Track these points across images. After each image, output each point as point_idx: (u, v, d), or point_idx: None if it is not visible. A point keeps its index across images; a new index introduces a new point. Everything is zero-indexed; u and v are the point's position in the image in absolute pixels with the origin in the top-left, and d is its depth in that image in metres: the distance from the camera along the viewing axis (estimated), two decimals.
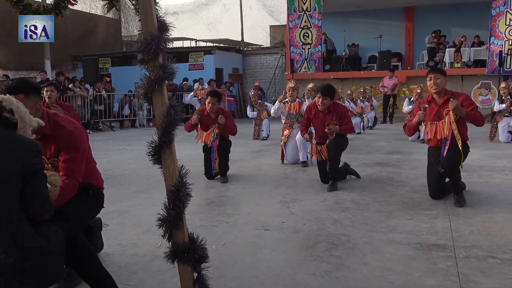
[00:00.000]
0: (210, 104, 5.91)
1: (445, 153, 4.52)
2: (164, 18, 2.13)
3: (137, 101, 15.82)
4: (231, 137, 6.24)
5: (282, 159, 7.17)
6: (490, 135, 9.43)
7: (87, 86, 14.74)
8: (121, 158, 8.08)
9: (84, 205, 2.73)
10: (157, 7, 2.13)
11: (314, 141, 5.79)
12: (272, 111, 7.63)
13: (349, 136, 7.80)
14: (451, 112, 4.43)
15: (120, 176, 6.39)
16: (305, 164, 6.83)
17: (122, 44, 22.97)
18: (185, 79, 17.06)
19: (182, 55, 19.00)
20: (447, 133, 4.47)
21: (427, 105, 4.65)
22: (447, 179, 4.64)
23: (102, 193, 2.96)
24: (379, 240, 3.52)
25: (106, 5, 2.48)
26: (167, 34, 2.12)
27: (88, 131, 13.01)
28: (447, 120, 4.47)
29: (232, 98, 17.92)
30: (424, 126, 4.73)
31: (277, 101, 7.46)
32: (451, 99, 4.41)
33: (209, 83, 17.15)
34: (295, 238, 3.64)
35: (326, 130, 5.36)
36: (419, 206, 4.50)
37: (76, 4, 2.74)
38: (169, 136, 2.14)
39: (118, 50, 21.56)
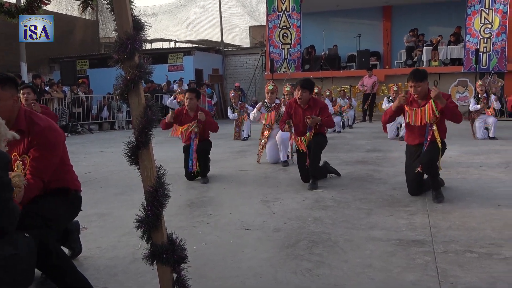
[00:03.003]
0: (188, 100, 5.87)
1: (425, 148, 4.60)
2: (140, 17, 2.10)
3: (116, 103, 15.65)
4: (211, 138, 6.22)
5: (259, 159, 7.17)
6: (473, 132, 9.58)
7: (65, 88, 14.53)
8: (100, 161, 7.98)
9: (60, 208, 2.67)
10: (132, 6, 2.10)
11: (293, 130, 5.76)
12: (251, 117, 7.63)
13: (329, 135, 7.85)
14: (432, 101, 4.49)
15: (100, 178, 6.31)
16: (285, 163, 6.85)
17: (100, 46, 22.73)
18: (169, 82, 17.04)
19: (162, 56, 18.92)
20: (428, 120, 4.53)
21: (408, 89, 4.71)
22: (425, 176, 4.70)
23: (79, 196, 2.91)
24: (359, 237, 3.54)
25: (81, 5, 2.45)
26: (143, 33, 2.09)
27: (66, 134, 12.81)
28: (427, 107, 4.53)
29: (209, 99, 17.86)
30: (404, 116, 4.78)
31: (255, 109, 7.41)
32: (433, 87, 4.47)
33: (189, 84, 17.10)
34: (276, 237, 3.64)
35: (307, 121, 5.29)
36: (398, 203, 4.54)
37: (49, 4, 2.69)
38: (146, 136, 2.11)
39: (96, 52, 21.33)
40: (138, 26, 2.07)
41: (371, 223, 3.91)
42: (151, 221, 2.12)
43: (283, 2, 16.78)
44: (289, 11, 16.79)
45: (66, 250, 3.05)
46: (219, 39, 21.72)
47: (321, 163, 5.67)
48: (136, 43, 2.02)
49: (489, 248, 3.23)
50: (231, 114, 11.11)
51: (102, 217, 4.37)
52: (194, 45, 21.18)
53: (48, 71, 19.82)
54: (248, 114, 10.42)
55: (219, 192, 5.32)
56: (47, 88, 14.09)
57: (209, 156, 6.14)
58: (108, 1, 2.17)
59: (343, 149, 8.50)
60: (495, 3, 15.01)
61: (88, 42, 21.88)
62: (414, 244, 3.35)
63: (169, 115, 5.91)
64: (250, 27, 23.25)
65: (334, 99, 12.40)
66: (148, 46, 22.49)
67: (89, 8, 2.58)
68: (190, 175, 5.95)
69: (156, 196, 2.11)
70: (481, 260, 3.02)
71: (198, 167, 5.84)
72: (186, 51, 19.55)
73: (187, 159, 5.94)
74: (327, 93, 12.28)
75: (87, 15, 20.64)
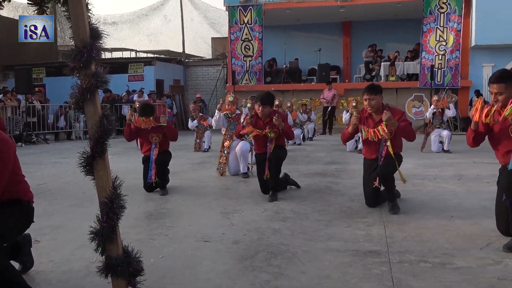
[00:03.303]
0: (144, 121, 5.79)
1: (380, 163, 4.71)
2: (97, 25, 2.07)
3: (73, 113, 15.27)
4: (171, 149, 6.16)
5: (223, 172, 7.14)
6: (422, 146, 9.87)
7: (19, 97, 14.07)
8: (56, 172, 7.75)
9: (10, 220, 2.57)
10: (89, 13, 2.07)
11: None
12: (213, 123, 7.55)
13: (289, 147, 7.90)
14: (383, 123, 4.61)
15: (54, 190, 6.12)
16: (246, 175, 6.85)
17: (58, 54, 22.18)
18: (128, 92, 16.81)
19: (122, 65, 18.66)
20: (382, 135, 4.65)
21: (359, 108, 4.82)
22: (382, 188, 4.81)
23: (32, 207, 2.81)
24: (317, 249, 3.57)
25: (36, 11, 2.38)
26: (100, 41, 2.06)
27: (20, 144, 12.39)
28: (380, 129, 4.66)
29: (169, 110, 17.71)
30: (360, 133, 4.89)
31: (216, 111, 7.36)
32: (384, 111, 4.59)
33: (149, 95, 16.92)
34: (235, 249, 3.62)
35: (274, 120, 5.29)
36: (356, 214, 4.62)
37: (2, 9, 2.62)
38: (102, 146, 2.07)
39: (54, 60, 20.80)
40: (96, 34, 2.04)
41: (329, 234, 3.95)
42: (106, 233, 2.08)
43: (245, 15, 16.93)
44: (251, 24, 16.94)
45: (16, 265, 2.93)
46: (181, 50, 21.63)
47: (281, 175, 5.71)
48: (93, 51, 1.99)
49: (442, 258, 3.32)
50: (190, 123, 11.03)
51: (55, 229, 4.22)
52: (155, 55, 20.98)
53: (2, 79, 19.16)
54: (210, 125, 10.41)
55: (178, 204, 5.26)
56: (0, 96, 13.60)
57: (168, 167, 6.07)
58: (65, 8, 2.13)
59: (303, 162, 8.59)
60: (449, 21, 15.63)
61: (45, 50, 21.31)
62: (371, 255, 3.41)
63: (128, 116, 5.85)
64: (212, 38, 23.28)
65: (294, 110, 12.52)
66: (108, 55, 22.14)
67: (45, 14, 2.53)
68: (148, 187, 5.86)
69: (111, 207, 2.07)
70: (434, 270, 3.10)
71: (157, 178, 5.76)
72: (147, 61, 19.36)
73: (146, 170, 5.85)
74: (288, 105, 12.42)
75: None
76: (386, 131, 4.60)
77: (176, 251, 3.59)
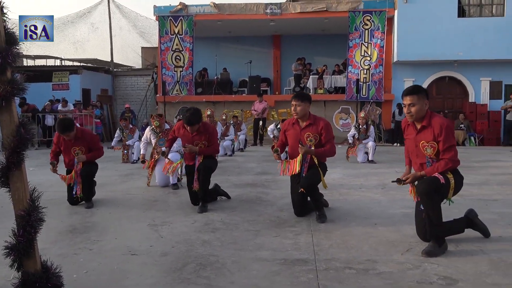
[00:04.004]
0: (68, 138, 5.57)
1: (304, 173, 4.82)
2: (14, 31, 1.97)
3: None
4: (98, 160, 5.95)
5: (149, 182, 7.01)
6: (347, 156, 10.24)
7: None
8: None
9: None
10: (5, 18, 1.96)
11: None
12: (141, 146, 7.58)
13: (220, 158, 7.88)
14: (300, 154, 4.77)
15: None
16: (175, 186, 6.75)
17: None
18: (52, 101, 16.08)
19: (46, 74, 17.82)
20: (298, 170, 4.79)
21: (278, 150, 4.98)
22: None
23: None
24: (246, 259, 3.59)
25: None
26: (17, 47, 1.96)
27: None
28: (298, 159, 4.81)
29: (99, 120, 17.13)
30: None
31: (147, 129, 7.31)
32: (300, 145, 4.77)
33: (75, 105, 16.30)
34: (163, 262, 3.55)
35: (186, 150, 5.41)
36: (284, 223, 4.69)
37: None
38: (18, 156, 1.96)
39: None
40: (11, 39, 1.94)
41: (258, 244, 3.98)
42: (22, 248, 1.96)
43: (176, 25, 16.79)
44: (182, 35, 16.82)
45: None
46: (109, 59, 21.03)
47: (211, 186, 5.69)
48: (8, 57, 1.88)
49: (365, 264, 3.45)
50: (114, 141, 11.06)
51: None
52: (81, 64, 20.24)
53: None
54: (139, 136, 10.24)
55: (104, 217, 5.08)
56: None
57: (94, 179, 5.86)
58: None
59: (234, 172, 8.61)
60: (373, 37, 16.42)
61: None
62: (298, 263, 3.47)
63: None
64: (142, 48, 22.84)
65: (228, 123, 12.53)
66: (30, 62, 21.06)
67: None
68: (73, 200, 5.61)
69: (28, 220, 1.96)
70: (358, 276, 3.21)
71: (82, 191, 5.54)
72: (73, 70, 18.63)
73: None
74: (223, 117, 12.40)
75: None
76: (301, 162, 4.76)
77: (101, 266, 3.47)
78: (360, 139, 10.13)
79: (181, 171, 6.82)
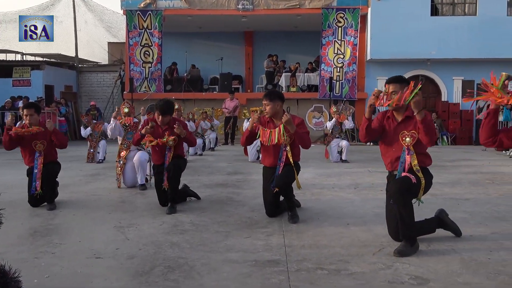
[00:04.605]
0: (28, 117, 5.32)
1: (279, 172, 4.74)
2: None
3: None
4: (61, 159, 5.72)
5: (119, 183, 6.78)
6: (326, 149, 10.27)
7: None
8: None
9: None
10: None
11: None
12: (109, 133, 7.06)
13: (190, 157, 7.74)
14: (282, 125, 4.66)
15: None
16: (143, 187, 6.56)
17: None
18: (13, 98, 15.53)
19: (5, 69, 17.17)
20: (277, 141, 4.68)
21: (263, 113, 4.87)
22: (281, 198, 4.85)
23: None
24: (216, 261, 3.49)
25: None
26: None
27: None
28: (276, 131, 4.69)
29: (63, 118, 16.65)
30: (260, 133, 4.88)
31: (112, 119, 6.92)
32: (285, 113, 4.65)
33: (39, 101, 15.77)
34: (129, 265, 3.42)
35: (175, 129, 5.18)
36: (256, 224, 4.61)
37: None
38: None
39: None
40: None
41: (228, 245, 3.89)
42: None
43: (145, 19, 16.44)
44: (151, 29, 16.48)
45: None
46: (73, 54, 20.42)
47: (180, 186, 5.55)
48: None
49: (337, 264, 3.40)
50: (83, 131, 10.42)
51: None
52: (44, 59, 19.58)
53: None
54: (105, 133, 9.89)
55: (67, 219, 4.88)
56: None
57: (57, 179, 5.63)
58: None
59: (204, 172, 8.48)
60: (346, 35, 16.42)
61: None
62: (270, 264, 3.40)
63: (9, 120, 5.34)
64: (109, 43, 22.28)
65: (196, 121, 12.35)
66: None
67: None
68: (34, 201, 5.37)
69: None
70: (330, 276, 3.16)
71: (42, 190, 5.30)
72: (35, 65, 17.97)
73: (30, 183, 5.37)
74: (190, 116, 12.18)
75: None
76: (282, 132, 4.63)
77: (63, 270, 3.31)
78: (334, 133, 10.12)
79: (150, 171, 6.66)
